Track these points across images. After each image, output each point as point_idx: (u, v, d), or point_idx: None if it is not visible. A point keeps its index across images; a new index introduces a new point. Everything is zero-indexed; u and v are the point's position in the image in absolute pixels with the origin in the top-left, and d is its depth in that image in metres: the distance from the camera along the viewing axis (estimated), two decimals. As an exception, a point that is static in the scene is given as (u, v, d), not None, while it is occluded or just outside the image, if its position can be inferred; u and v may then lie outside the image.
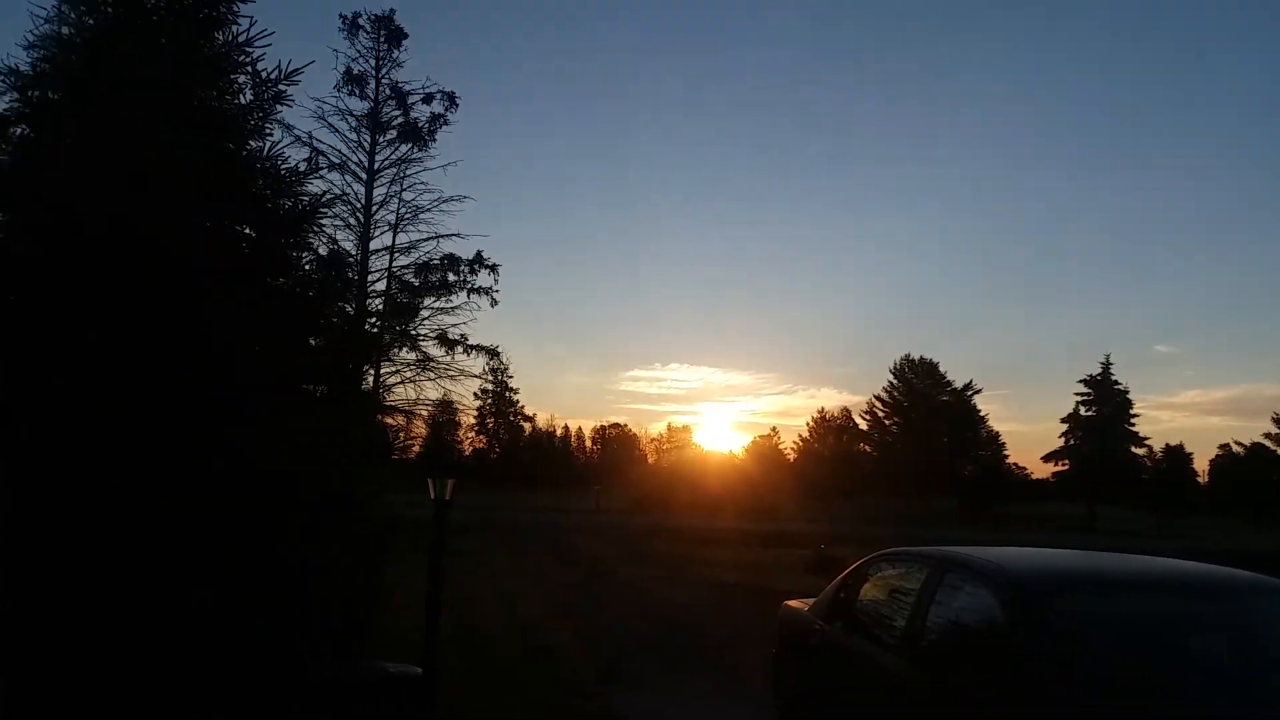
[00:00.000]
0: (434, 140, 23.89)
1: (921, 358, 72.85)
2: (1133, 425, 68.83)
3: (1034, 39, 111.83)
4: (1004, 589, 4.19)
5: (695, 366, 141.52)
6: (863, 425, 77.20)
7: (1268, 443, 65.40)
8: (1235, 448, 70.77)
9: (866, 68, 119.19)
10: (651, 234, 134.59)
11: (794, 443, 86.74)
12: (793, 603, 7.01)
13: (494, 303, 24.91)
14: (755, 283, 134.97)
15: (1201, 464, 77.95)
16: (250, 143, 5.34)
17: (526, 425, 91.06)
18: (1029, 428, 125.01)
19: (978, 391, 71.81)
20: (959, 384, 71.84)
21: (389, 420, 21.38)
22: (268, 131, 5.38)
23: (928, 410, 70.67)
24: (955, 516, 59.08)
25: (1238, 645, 4.12)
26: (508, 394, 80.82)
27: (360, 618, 5.47)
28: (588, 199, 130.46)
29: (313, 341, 5.85)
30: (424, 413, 24.91)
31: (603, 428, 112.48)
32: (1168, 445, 73.05)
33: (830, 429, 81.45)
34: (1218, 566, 4.83)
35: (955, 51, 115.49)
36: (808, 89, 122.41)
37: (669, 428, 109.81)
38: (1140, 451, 70.38)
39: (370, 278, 23.48)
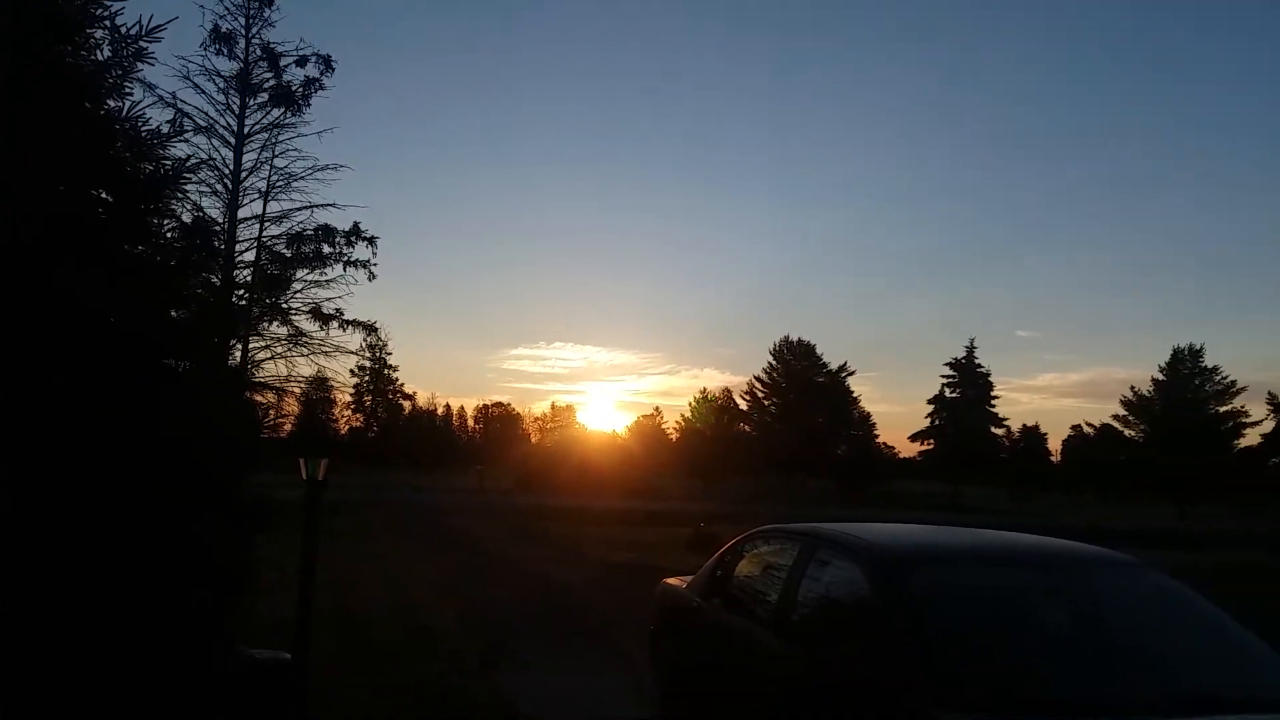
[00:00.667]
0: (308, 105, 22.81)
1: (800, 339, 74.48)
2: (993, 407, 71.83)
3: (889, 31, 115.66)
4: (871, 563, 4.33)
5: (580, 346, 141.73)
6: (743, 405, 78.75)
7: (1115, 424, 69.72)
8: (1086, 429, 74.95)
9: (743, 54, 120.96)
10: (537, 211, 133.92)
11: (676, 422, 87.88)
12: (671, 580, 7.09)
13: (372, 276, 24.15)
14: (641, 263, 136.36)
15: (1055, 444, 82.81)
16: (108, 102, 5.01)
17: (406, 404, 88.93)
18: (898, 409, 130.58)
19: (851, 373, 74.04)
20: (834, 365, 74.02)
21: (258, 397, 20.56)
22: (127, 91, 5.05)
23: (804, 391, 72.41)
24: (832, 496, 61.09)
25: (1086, 612, 4.38)
26: (386, 371, 78.85)
27: (228, 605, 5.25)
28: (471, 173, 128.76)
29: (175, 314, 5.55)
30: (296, 390, 23.91)
31: (485, 406, 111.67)
32: (1025, 426, 77.43)
33: (712, 409, 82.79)
34: (1071, 541, 5.14)
35: (824, 41, 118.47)
36: (690, 69, 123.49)
37: (553, 407, 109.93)
38: (1000, 432, 73.81)
39: (239, 248, 22.37)
